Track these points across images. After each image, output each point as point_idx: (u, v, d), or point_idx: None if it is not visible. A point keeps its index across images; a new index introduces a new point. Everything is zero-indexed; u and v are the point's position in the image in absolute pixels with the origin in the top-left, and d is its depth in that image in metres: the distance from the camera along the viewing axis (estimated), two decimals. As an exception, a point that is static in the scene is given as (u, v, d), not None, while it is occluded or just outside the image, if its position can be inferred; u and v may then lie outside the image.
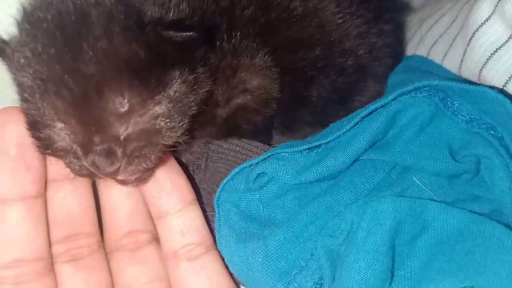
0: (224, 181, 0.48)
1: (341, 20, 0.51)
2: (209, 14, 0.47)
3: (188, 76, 0.43)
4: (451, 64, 0.52)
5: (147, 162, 0.42)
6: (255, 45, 0.48)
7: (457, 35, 0.51)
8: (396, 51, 0.58)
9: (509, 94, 0.45)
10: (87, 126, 0.39)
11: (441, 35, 0.54)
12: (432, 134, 0.43)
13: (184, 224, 0.47)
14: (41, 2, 0.42)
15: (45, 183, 0.45)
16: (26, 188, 0.43)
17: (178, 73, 0.42)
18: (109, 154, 0.39)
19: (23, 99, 0.41)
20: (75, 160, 0.41)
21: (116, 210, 0.48)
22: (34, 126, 0.41)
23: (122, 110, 0.40)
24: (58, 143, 0.41)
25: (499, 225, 0.37)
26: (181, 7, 0.44)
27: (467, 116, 0.42)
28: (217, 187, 0.49)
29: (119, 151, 0.40)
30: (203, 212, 0.51)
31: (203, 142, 0.53)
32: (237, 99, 0.50)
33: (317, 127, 0.55)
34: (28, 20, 0.41)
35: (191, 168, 0.53)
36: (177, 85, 0.42)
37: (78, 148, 0.40)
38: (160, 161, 0.45)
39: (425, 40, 0.56)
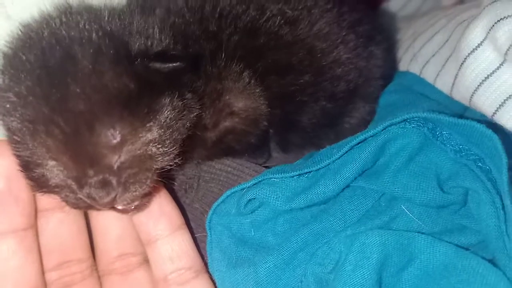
0: (215, 204, 0.49)
1: (331, 47, 0.51)
2: (194, 40, 0.47)
3: (177, 102, 0.43)
4: (443, 85, 0.52)
5: (143, 187, 0.42)
6: (239, 68, 0.48)
7: (450, 56, 0.51)
8: (387, 72, 0.58)
9: (499, 123, 0.45)
10: (80, 161, 0.39)
11: (433, 55, 0.54)
12: (421, 164, 0.43)
13: (173, 250, 0.48)
14: (23, 43, 0.42)
15: (35, 214, 0.45)
16: (15, 221, 0.43)
17: (168, 100, 0.43)
18: (104, 185, 0.40)
19: (13, 142, 0.41)
20: (71, 194, 0.41)
21: (106, 233, 0.49)
22: (27, 167, 0.41)
23: (114, 141, 0.40)
24: (52, 180, 0.41)
25: (484, 261, 0.37)
26: (163, 36, 0.44)
27: (456, 146, 0.42)
28: (209, 207, 0.50)
29: (114, 180, 0.40)
30: (194, 232, 0.52)
31: (195, 162, 0.53)
32: (225, 122, 0.50)
33: (308, 148, 0.55)
34: (11, 63, 0.41)
35: (183, 187, 0.54)
36: (167, 111, 0.42)
37: (73, 183, 0.40)
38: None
39: (418, 58, 0.56)
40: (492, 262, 0.39)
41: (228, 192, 0.48)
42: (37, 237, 0.46)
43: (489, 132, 0.39)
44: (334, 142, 0.54)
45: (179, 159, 0.46)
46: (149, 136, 0.41)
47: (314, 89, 0.51)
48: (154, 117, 0.42)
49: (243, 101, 0.49)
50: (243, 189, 0.48)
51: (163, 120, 0.42)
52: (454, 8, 0.57)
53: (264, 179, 0.47)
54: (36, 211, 0.46)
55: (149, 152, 0.42)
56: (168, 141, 0.43)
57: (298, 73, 0.50)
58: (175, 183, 0.53)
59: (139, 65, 0.41)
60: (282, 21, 0.50)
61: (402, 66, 0.61)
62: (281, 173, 0.46)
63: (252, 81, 0.48)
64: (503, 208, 0.38)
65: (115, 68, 0.40)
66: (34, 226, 0.45)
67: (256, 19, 0.50)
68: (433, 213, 0.43)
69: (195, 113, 0.46)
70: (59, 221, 0.47)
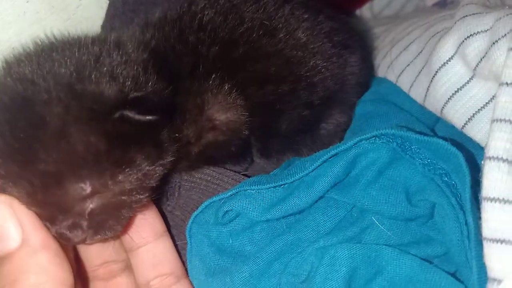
0: (195, 213, 0.50)
1: (309, 56, 0.52)
2: (174, 55, 0.48)
3: (152, 151, 0.43)
4: (416, 96, 0.53)
5: (113, 231, 0.44)
6: (218, 81, 0.48)
7: (422, 68, 0.52)
8: (363, 79, 0.59)
9: (468, 135, 0.47)
10: (51, 209, 0.40)
11: (408, 64, 0.55)
12: (391, 177, 0.45)
13: (155, 257, 0.49)
14: None
15: None
16: None
17: (141, 150, 0.42)
18: (74, 228, 0.41)
19: None
20: None
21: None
22: None
23: (85, 193, 0.41)
24: None
25: (446, 275, 0.39)
26: (146, 75, 0.44)
27: (425, 160, 0.44)
28: (190, 214, 0.51)
29: (84, 224, 0.42)
30: (176, 240, 0.53)
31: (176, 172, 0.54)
32: (207, 136, 0.51)
33: (287, 153, 0.56)
34: None
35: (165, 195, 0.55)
36: (139, 162, 0.42)
37: (46, 222, 0.41)
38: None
39: (394, 66, 0.57)
40: (455, 274, 0.41)
41: (207, 202, 0.49)
42: None
43: (454, 149, 0.41)
44: (312, 147, 0.56)
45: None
46: (121, 187, 0.42)
47: (292, 97, 0.52)
48: (126, 169, 0.42)
49: (224, 114, 0.49)
50: (221, 199, 0.49)
51: (135, 171, 0.42)
52: (430, 17, 0.58)
53: (240, 190, 0.48)
54: None
55: (121, 201, 0.43)
56: (141, 189, 0.43)
57: (276, 83, 0.51)
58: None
59: (110, 119, 0.40)
60: (261, 31, 0.51)
61: (380, 72, 0.62)
62: (257, 185, 0.47)
63: (233, 93, 0.49)
64: (467, 223, 0.40)
65: (81, 130, 0.39)
66: None
67: (235, 30, 0.51)
68: (401, 225, 0.45)
69: (171, 159, 0.46)
70: None
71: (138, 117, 0.41)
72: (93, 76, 0.41)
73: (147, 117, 0.41)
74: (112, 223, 0.43)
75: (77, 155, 0.39)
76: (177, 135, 0.47)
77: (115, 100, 0.41)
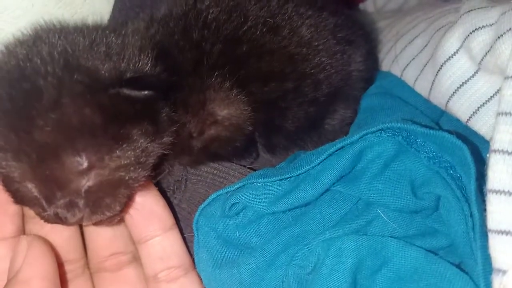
0: (201, 206, 0.51)
1: (313, 53, 0.52)
2: (178, 50, 0.49)
3: (149, 128, 0.44)
4: (421, 89, 0.54)
5: (111, 211, 0.44)
6: (221, 78, 0.49)
7: (428, 62, 0.52)
8: (367, 75, 0.59)
9: (473, 129, 0.47)
10: (48, 184, 0.41)
11: (413, 58, 0.55)
12: (396, 170, 0.45)
13: (164, 250, 0.50)
14: None
15: (23, 222, 0.48)
16: (6, 230, 0.47)
17: (138, 126, 0.43)
18: (71, 207, 0.41)
19: None
20: (42, 210, 0.43)
21: (98, 235, 0.51)
22: (5, 182, 0.43)
23: (81, 167, 0.41)
24: (26, 195, 0.43)
25: (451, 266, 0.40)
26: (142, 56, 0.44)
27: (430, 153, 0.44)
28: (197, 207, 0.52)
29: (80, 203, 0.42)
30: (183, 232, 0.54)
31: (182, 166, 0.55)
32: (209, 131, 0.51)
33: (292, 149, 0.57)
34: None
35: (171, 188, 0.56)
36: (136, 137, 0.43)
37: (43, 201, 0.42)
38: (140, 187, 0.47)
39: (399, 60, 0.58)
40: (460, 266, 0.41)
41: (214, 195, 0.50)
42: None
43: (459, 142, 0.41)
44: (317, 142, 0.56)
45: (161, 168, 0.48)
46: (118, 162, 0.42)
47: (296, 95, 0.52)
48: (123, 144, 0.42)
49: (226, 109, 0.50)
50: (228, 192, 0.50)
51: (132, 147, 0.43)
52: (434, 11, 0.58)
53: (247, 183, 0.49)
54: (23, 220, 0.48)
55: (118, 177, 0.43)
56: (138, 166, 0.43)
57: (280, 81, 0.51)
58: (163, 183, 0.55)
59: (105, 94, 0.41)
60: (264, 29, 0.51)
61: (385, 66, 0.62)
62: (263, 178, 0.48)
63: (235, 90, 0.49)
64: (472, 215, 0.40)
65: (75, 102, 0.40)
66: (22, 232, 0.48)
67: (239, 28, 0.51)
68: (407, 217, 0.45)
69: (169, 139, 0.46)
70: (52, 227, 0.49)
71: (134, 93, 0.41)
72: (87, 52, 0.42)
73: (143, 93, 0.41)
74: (109, 201, 0.43)
75: (72, 126, 0.40)
76: (174, 113, 0.47)
77: (110, 77, 0.42)
